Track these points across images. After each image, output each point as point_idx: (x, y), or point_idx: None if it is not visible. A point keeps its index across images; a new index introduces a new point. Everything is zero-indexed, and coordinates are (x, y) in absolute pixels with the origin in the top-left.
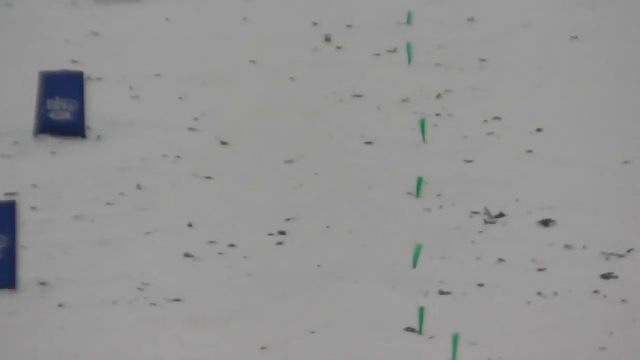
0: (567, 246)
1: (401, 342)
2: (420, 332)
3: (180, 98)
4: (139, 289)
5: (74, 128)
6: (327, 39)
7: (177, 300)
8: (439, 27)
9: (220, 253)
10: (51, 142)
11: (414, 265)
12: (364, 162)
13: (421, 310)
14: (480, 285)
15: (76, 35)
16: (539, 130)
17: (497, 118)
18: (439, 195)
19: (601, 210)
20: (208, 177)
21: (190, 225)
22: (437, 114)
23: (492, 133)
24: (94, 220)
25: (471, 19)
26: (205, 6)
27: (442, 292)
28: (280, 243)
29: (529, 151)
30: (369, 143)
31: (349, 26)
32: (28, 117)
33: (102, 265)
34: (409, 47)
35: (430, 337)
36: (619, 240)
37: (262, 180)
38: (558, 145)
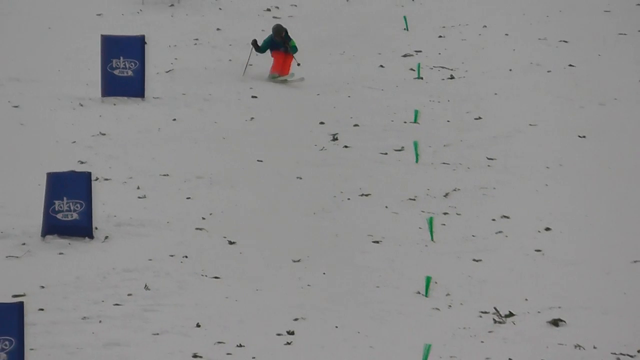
0: (577, 346)
1: None
2: None
3: (187, 198)
4: None
5: (82, 229)
6: (335, 138)
7: None
8: (446, 127)
9: (228, 354)
10: (59, 243)
11: None
12: (372, 262)
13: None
14: None
15: (83, 136)
16: (547, 229)
17: (505, 217)
18: (447, 294)
19: (611, 310)
20: (216, 277)
21: (198, 325)
22: (445, 213)
23: (500, 232)
24: (102, 322)
25: (478, 118)
26: (212, 107)
27: None
28: (289, 343)
29: (538, 250)
30: (376, 242)
31: (356, 125)
32: (36, 218)
33: None
34: (416, 146)
35: None
36: (629, 341)
37: (270, 280)
38: (566, 245)
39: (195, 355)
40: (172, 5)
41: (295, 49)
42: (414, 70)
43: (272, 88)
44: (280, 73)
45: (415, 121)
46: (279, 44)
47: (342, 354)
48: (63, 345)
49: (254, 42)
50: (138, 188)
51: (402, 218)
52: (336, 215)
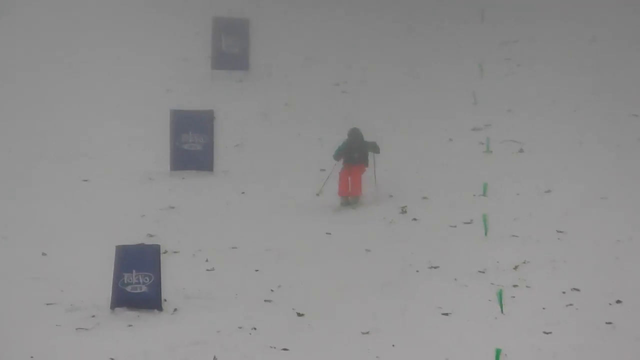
0: None
1: None
2: None
3: (256, 271)
4: None
5: (151, 301)
6: (403, 211)
7: None
8: (515, 199)
9: None
10: (128, 315)
11: None
12: (441, 335)
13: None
14: None
15: (152, 209)
16: (618, 302)
17: (575, 290)
18: None
19: None
20: (285, 349)
21: None
22: (515, 286)
23: (570, 305)
24: None
25: (548, 191)
26: (280, 180)
27: None
28: None
29: (609, 323)
30: (445, 315)
31: (424, 198)
32: (105, 290)
33: None
34: (485, 219)
35: None
36: None
37: (338, 353)
38: (638, 318)
39: None
40: (241, 81)
41: (377, 149)
42: (483, 144)
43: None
44: (351, 193)
45: (484, 194)
46: (354, 149)
47: None
48: None
49: (335, 156)
50: (206, 261)
51: (471, 291)
52: (405, 288)
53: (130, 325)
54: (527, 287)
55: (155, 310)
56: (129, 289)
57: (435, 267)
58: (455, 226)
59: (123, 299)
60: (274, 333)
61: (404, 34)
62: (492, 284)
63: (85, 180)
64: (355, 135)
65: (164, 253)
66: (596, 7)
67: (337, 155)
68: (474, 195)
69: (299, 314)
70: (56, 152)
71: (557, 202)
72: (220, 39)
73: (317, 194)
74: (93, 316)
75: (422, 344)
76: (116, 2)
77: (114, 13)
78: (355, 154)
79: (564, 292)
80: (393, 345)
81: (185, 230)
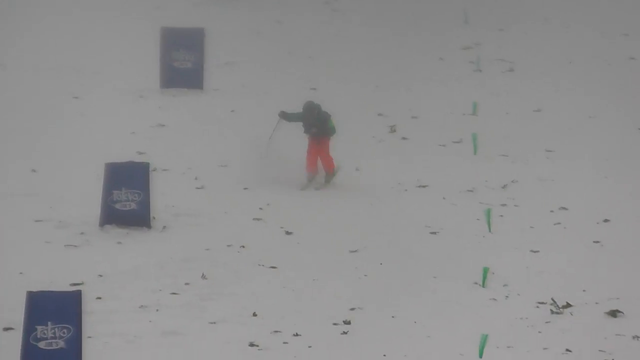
0: (635, 337)
1: None
2: None
3: (245, 189)
4: None
5: (140, 219)
6: (393, 130)
7: None
8: (505, 118)
9: (285, 343)
10: (117, 232)
11: (481, 355)
12: (429, 252)
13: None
14: None
15: (142, 127)
16: (606, 220)
17: (563, 208)
18: (505, 285)
19: None
20: (273, 267)
21: (255, 315)
22: (503, 205)
23: (558, 223)
24: (159, 310)
25: (537, 110)
26: (269, 97)
27: None
28: (345, 333)
29: (596, 242)
30: (434, 233)
31: (414, 117)
32: (94, 208)
33: (167, 355)
34: (474, 138)
35: None
36: None
37: (327, 270)
38: (625, 236)
39: (251, 344)
40: None
41: (333, 130)
42: (473, 63)
43: (333, 80)
44: (315, 172)
45: (473, 113)
46: (311, 123)
47: (398, 344)
48: (121, 334)
49: (282, 114)
50: (196, 179)
51: (459, 209)
52: (394, 206)
53: (119, 243)
54: (515, 206)
55: (144, 228)
56: (118, 206)
57: (424, 186)
58: (444, 145)
59: (112, 216)
60: (263, 251)
61: None
62: (480, 202)
63: (76, 97)
64: (309, 111)
65: (154, 170)
66: None
67: (288, 117)
68: (464, 115)
69: (288, 232)
70: (47, 69)
71: (546, 121)
72: None
73: (262, 157)
74: (82, 233)
75: (410, 262)
76: None
77: None
78: (312, 129)
79: (552, 211)
80: (381, 264)
81: (175, 148)
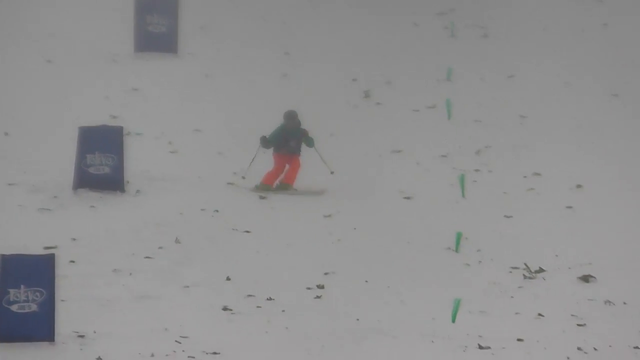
0: (607, 302)
1: None
2: None
3: (219, 153)
4: (177, 342)
5: (113, 183)
6: (367, 95)
7: (215, 353)
8: (479, 84)
9: (258, 307)
10: (90, 196)
11: (453, 320)
12: (403, 218)
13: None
14: (520, 340)
15: (116, 91)
16: (578, 186)
17: (537, 174)
18: (478, 250)
19: None
20: (247, 232)
21: (228, 279)
22: (477, 170)
23: (532, 189)
24: (133, 275)
25: (511, 76)
26: (244, 62)
27: (481, 347)
28: (318, 297)
29: (569, 207)
30: (407, 198)
31: (388, 83)
32: (67, 171)
33: (141, 319)
34: (448, 104)
35: None
36: None
37: (300, 235)
38: (598, 202)
39: (225, 308)
40: None
41: (312, 142)
42: (447, 29)
43: (307, 45)
44: (271, 185)
45: (448, 79)
46: (290, 134)
47: (372, 309)
48: (94, 298)
49: (263, 141)
50: (170, 143)
51: (433, 175)
52: (368, 171)
53: (92, 207)
54: (489, 171)
55: (118, 192)
56: (91, 170)
57: (398, 151)
58: (418, 110)
59: (86, 180)
60: (237, 215)
61: None
62: (454, 168)
63: (49, 61)
64: (291, 118)
65: (127, 135)
66: None
67: (268, 143)
68: (438, 80)
69: (262, 197)
70: (20, 32)
71: (520, 87)
72: None
73: (244, 177)
74: (55, 197)
75: (383, 227)
76: None
77: None
78: (291, 142)
79: (525, 177)
80: (355, 229)
81: (148, 112)
